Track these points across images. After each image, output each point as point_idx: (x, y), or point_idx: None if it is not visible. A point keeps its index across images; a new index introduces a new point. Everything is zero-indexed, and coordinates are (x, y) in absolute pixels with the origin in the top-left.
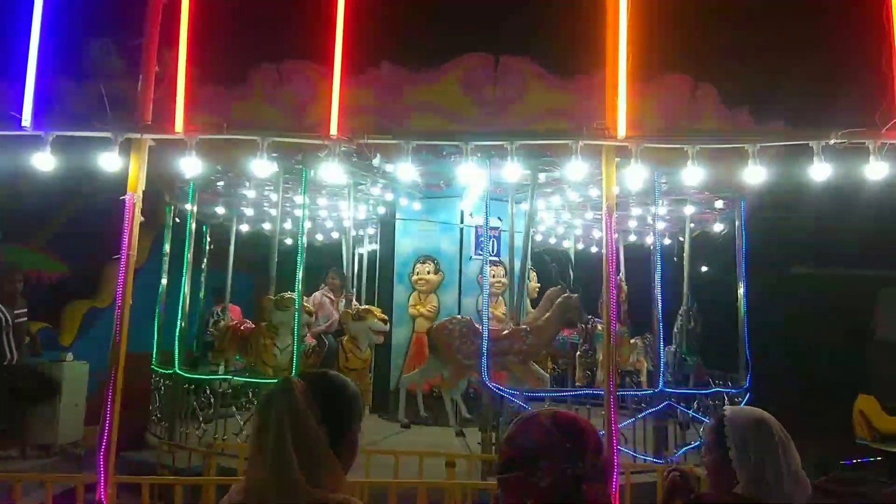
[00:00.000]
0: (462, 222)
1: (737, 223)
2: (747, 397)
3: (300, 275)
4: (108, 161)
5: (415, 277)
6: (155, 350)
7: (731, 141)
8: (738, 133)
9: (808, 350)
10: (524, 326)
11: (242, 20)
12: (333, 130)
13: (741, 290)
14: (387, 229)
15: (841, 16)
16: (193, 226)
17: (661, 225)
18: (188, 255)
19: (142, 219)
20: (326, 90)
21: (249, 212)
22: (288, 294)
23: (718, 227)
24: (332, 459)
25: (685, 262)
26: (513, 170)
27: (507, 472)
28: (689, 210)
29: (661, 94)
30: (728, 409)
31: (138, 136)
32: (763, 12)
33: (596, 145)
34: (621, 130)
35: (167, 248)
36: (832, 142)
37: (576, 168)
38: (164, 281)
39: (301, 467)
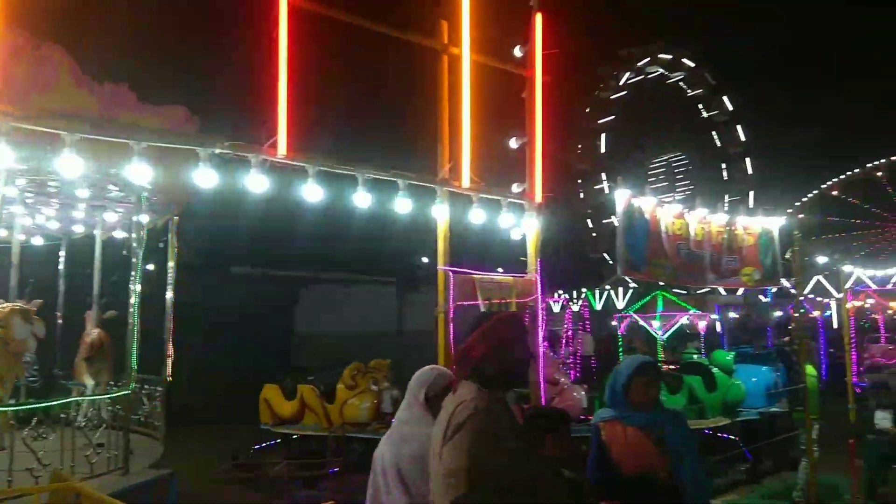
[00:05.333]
0: None
1: (171, 226)
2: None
3: None
4: None
5: None
6: None
7: (113, 135)
8: (121, 127)
9: (238, 343)
10: None
11: None
12: None
13: (168, 293)
14: None
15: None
16: None
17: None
18: None
19: None
20: None
21: None
22: None
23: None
24: None
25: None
26: None
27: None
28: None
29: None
30: None
31: None
32: None
33: None
34: None
35: None
36: (217, 151)
37: None
38: None
39: None
